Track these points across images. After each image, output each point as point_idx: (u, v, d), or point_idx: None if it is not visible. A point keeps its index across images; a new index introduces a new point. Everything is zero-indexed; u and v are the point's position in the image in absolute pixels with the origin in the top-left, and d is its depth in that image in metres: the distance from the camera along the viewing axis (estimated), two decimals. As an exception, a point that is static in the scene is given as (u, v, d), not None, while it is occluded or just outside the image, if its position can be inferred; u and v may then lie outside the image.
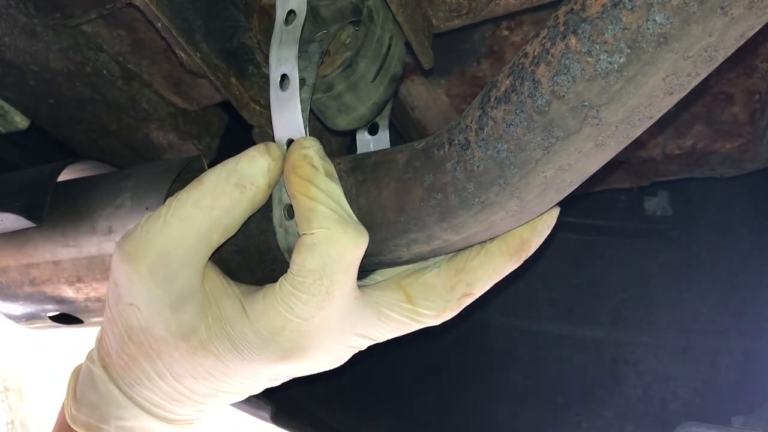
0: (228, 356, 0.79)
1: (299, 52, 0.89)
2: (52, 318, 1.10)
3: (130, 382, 0.83)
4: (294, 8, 0.82)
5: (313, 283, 0.74)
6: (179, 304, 0.78)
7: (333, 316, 0.77)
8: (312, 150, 0.77)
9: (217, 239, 0.79)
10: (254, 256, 0.84)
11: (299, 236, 0.75)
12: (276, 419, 1.46)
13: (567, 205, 0.76)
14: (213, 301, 0.79)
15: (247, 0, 1.00)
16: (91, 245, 0.96)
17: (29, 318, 1.11)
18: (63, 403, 0.88)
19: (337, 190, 0.76)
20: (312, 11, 0.95)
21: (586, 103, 0.60)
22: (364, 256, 0.78)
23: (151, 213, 0.78)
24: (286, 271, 0.77)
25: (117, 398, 0.84)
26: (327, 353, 0.81)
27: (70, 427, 0.85)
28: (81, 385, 0.87)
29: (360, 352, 0.85)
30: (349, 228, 0.74)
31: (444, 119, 1.36)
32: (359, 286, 0.80)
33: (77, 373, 0.89)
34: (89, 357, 0.88)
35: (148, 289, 0.77)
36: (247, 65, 0.99)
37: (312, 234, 0.73)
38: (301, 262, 0.74)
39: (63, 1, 1.08)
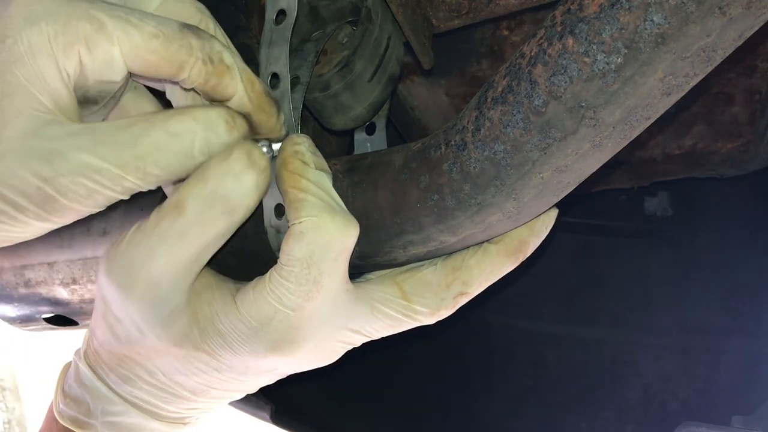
0: (219, 351, 0.78)
1: (295, 51, 0.89)
2: (47, 320, 1.10)
3: (118, 381, 0.83)
4: (284, 8, 0.82)
5: (300, 272, 0.73)
6: (169, 320, 0.77)
7: (323, 307, 0.76)
8: (303, 146, 0.76)
9: (208, 257, 0.77)
10: (250, 257, 0.84)
11: (288, 227, 0.74)
12: (276, 419, 1.45)
13: (567, 204, 0.75)
14: (205, 301, 0.78)
15: (247, 0, 1.00)
16: (86, 247, 0.95)
17: (24, 320, 1.11)
18: (52, 399, 0.88)
19: (326, 181, 0.75)
20: (312, 11, 0.95)
21: (583, 104, 0.60)
22: (359, 257, 0.77)
23: (134, 233, 0.75)
24: None
25: (105, 393, 0.83)
26: (318, 347, 0.80)
27: (57, 421, 0.85)
28: (69, 380, 0.86)
29: (359, 351, 0.85)
30: (337, 216, 0.73)
31: (444, 119, 1.36)
32: (353, 282, 0.79)
33: (66, 369, 0.89)
34: (77, 353, 0.87)
35: (139, 311, 0.76)
36: (247, 65, 0.99)
37: (300, 222, 0.72)
38: (288, 250, 0.73)
39: None
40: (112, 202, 0.71)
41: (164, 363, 0.80)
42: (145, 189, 0.70)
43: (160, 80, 0.75)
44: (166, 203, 0.74)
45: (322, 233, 0.72)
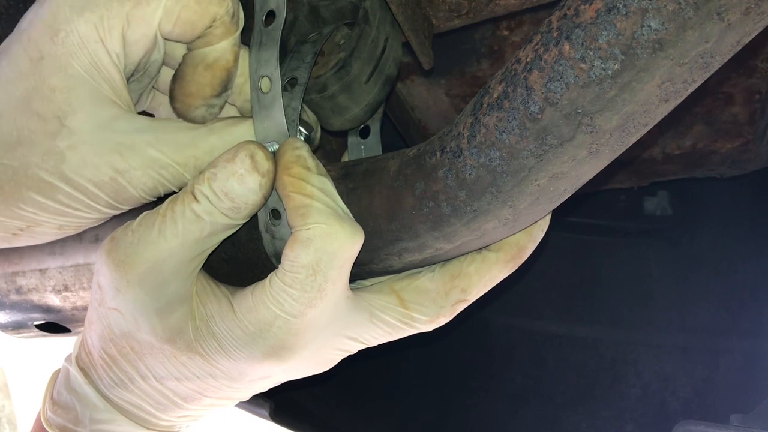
0: (214, 356, 0.78)
1: (292, 52, 0.88)
2: (39, 327, 1.10)
3: (110, 384, 0.82)
4: (273, 9, 0.81)
5: (305, 279, 0.73)
6: (167, 309, 0.77)
7: (324, 315, 0.76)
8: (304, 150, 0.76)
9: (211, 248, 0.78)
10: (243, 264, 0.83)
11: (292, 233, 0.74)
12: (275, 417, 1.45)
13: (567, 205, 0.75)
14: (201, 303, 0.78)
15: (247, 0, 1.00)
16: (78, 253, 0.95)
17: (16, 327, 1.10)
18: (40, 407, 0.88)
19: (330, 187, 0.75)
20: (312, 11, 0.94)
21: (579, 111, 0.59)
22: (355, 264, 0.77)
23: (144, 217, 0.77)
24: None
25: (93, 400, 0.83)
26: (315, 355, 0.80)
27: (45, 430, 0.84)
28: (58, 386, 0.86)
29: (358, 352, 0.84)
30: (345, 224, 0.73)
31: (444, 119, 1.35)
32: (351, 289, 0.79)
33: (56, 376, 0.88)
34: (67, 359, 0.87)
35: (135, 297, 0.76)
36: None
37: (308, 229, 0.72)
38: (294, 257, 0.73)
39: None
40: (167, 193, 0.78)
41: (156, 364, 0.80)
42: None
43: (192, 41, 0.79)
44: (181, 192, 0.76)
45: (332, 241, 0.72)
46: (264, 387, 0.85)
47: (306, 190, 0.73)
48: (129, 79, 0.79)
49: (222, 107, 0.82)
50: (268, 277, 0.76)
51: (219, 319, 0.77)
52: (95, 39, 0.72)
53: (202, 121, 0.81)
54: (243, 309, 0.76)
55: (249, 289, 0.77)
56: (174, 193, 0.78)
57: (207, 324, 0.78)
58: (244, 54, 0.82)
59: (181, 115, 0.81)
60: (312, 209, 0.73)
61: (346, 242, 0.73)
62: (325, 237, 0.72)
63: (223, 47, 0.78)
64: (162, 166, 0.74)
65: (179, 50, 0.81)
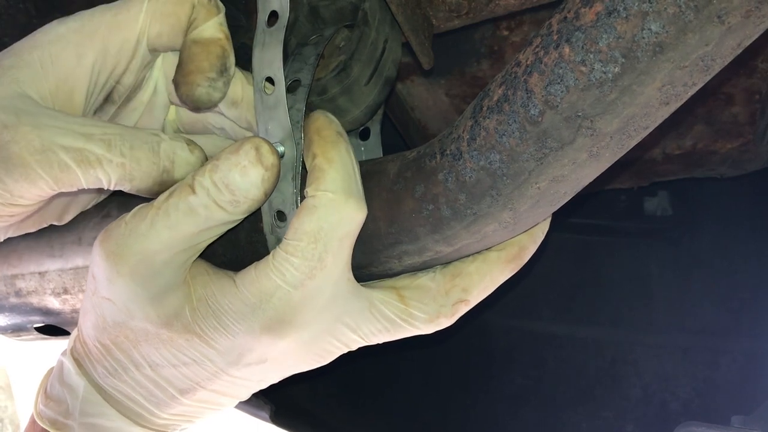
0: (212, 334, 0.78)
1: (293, 54, 0.88)
2: (38, 329, 1.09)
3: (104, 374, 0.82)
4: (276, 9, 0.81)
5: (306, 247, 0.73)
6: (160, 297, 0.77)
7: (323, 291, 0.75)
8: (337, 122, 0.78)
9: (207, 241, 0.78)
10: (243, 266, 0.83)
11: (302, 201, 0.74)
12: (275, 419, 1.45)
13: (568, 205, 0.75)
14: (200, 285, 0.78)
15: (247, 0, 1.00)
16: (77, 256, 0.95)
17: (15, 329, 1.10)
18: (34, 401, 0.88)
19: (353, 161, 0.75)
20: (312, 11, 0.94)
21: (580, 114, 0.59)
22: (355, 267, 0.77)
23: (139, 209, 0.76)
24: None
25: (84, 393, 0.82)
26: (313, 343, 0.80)
27: (36, 423, 0.84)
28: (52, 379, 0.86)
29: (360, 350, 0.84)
30: (351, 199, 0.73)
31: (444, 119, 1.35)
32: None
33: (51, 371, 0.88)
34: (63, 352, 0.87)
35: (127, 287, 0.76)
36: (248, 65, 0.99)
37: (314, 196, 0.72)
38: (298, 224, 0.73)
39: (63, 1, 1.08)
40: (69, 184, 0.75)
41: (152, 350, 0.79)
42: (107, 179, 0.75)
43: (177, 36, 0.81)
44: (178, 184, 0.76)
45: (335, 211, 0.72)
46: (260, 378, 0.84)
47: (329, 154, 0.74)
48: (110, 94, 0.82)
49: (224, 90, 0.82)
50: (272, 251, 0.76)
51: (220, 295, 0.77)
52: (68, 40, 0.75)
53: (208, 101, 0.81)
54: (246, 282, 0.76)
55: (252, 265, 0.77)
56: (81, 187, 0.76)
57: (206, 303, 0.77)
58: (243, 76, 0.84)
59: (186, 97, 0.81)
60: (327, 174, 0.73)
61: (347, 216, 0.73)
62: (328, 205, 0.72)
63: (210, 26, 0.80)
64: (57, 133, 0.72)
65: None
